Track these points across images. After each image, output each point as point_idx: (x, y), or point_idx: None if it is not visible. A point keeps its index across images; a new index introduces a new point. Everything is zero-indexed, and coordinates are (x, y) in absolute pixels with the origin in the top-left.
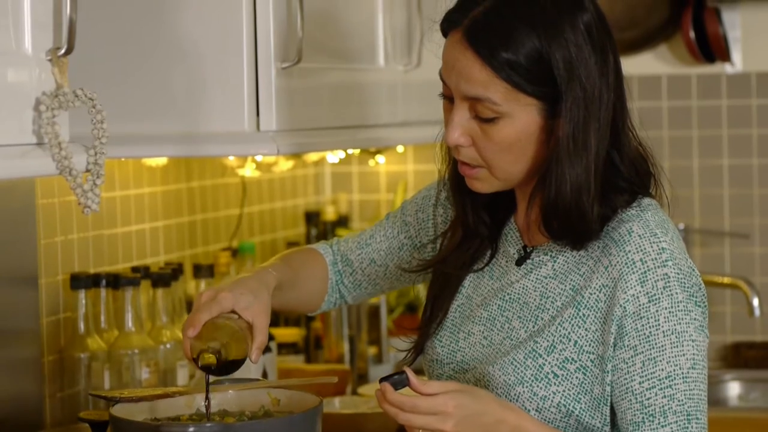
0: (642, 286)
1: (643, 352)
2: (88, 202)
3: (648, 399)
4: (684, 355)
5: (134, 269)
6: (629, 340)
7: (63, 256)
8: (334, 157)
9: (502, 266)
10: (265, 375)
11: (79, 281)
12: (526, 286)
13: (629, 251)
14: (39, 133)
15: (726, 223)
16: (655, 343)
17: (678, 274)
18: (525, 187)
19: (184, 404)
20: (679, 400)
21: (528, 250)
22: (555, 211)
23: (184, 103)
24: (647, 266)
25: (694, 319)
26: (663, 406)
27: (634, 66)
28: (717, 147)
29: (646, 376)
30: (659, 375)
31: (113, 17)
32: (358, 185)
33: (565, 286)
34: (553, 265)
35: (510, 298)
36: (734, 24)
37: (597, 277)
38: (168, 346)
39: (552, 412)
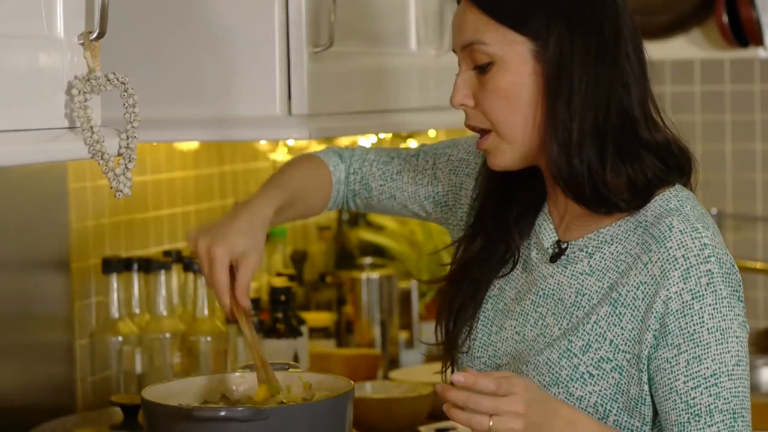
0: (685, 283)
1: (687, 350)
2: (120, 186)
3: (693, 398)
4: (729, 352)
5: (166, 253)
6: (673, 339)
7: (95, 240)
8: (365, 141)
9: (534, 258)
10: (296, 359)
11: (111, 265)
12: (561, 282)
13: (670, 247)
14: (71, 117)
15: (759, 208)
16: (700, 341)
17: (721, 269)
18: (540, 159)
19: (216, 388)
20: (725, 399)
21: (562, 245)
22: (557, 171)
23: (215, 87)
24: (690, 263)
25: (738, 315)
26: (709, 405)
27: (667, 50)
28: (750, 131)
29: (690, 375)
30: (704, 373)
31: (145, 1)
32: None
33: (602, 283)
34: (589, 261)
35: (544, 293)
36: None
37: (635, 274)
38: None
39: (589, 413)
